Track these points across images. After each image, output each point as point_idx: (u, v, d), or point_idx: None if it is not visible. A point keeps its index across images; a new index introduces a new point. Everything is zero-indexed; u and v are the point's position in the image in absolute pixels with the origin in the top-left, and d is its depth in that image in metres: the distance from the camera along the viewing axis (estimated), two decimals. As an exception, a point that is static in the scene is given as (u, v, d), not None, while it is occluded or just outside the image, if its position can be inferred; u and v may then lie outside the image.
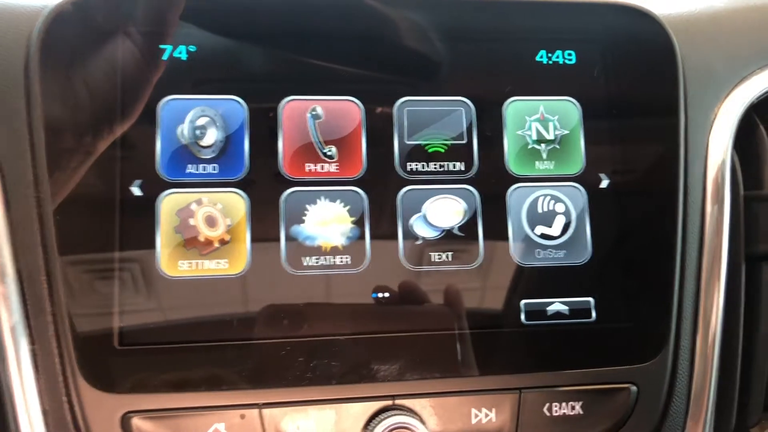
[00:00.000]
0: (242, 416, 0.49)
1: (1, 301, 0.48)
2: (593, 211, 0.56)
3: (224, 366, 0.49)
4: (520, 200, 0.55)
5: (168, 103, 0.52)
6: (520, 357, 0.53)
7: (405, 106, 0.55)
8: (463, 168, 0.55)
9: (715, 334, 0.55)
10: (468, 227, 0.54)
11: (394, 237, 0.53)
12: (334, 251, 0.52)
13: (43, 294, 0.48)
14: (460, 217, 0.54)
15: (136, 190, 0.51)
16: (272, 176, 0.52)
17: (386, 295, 0.52)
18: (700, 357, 0.55)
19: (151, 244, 0.50)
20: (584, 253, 0.55)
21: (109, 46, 0.52)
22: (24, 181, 0.49)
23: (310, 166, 0.53)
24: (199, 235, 0.51)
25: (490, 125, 0.56)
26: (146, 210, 0.51)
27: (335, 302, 0.52)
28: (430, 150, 0.55)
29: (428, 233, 0.54)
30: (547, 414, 0.52)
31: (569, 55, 0.58)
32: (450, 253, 0.54)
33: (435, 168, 0.55)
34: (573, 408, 0.53)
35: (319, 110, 0.54)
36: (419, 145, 0.55)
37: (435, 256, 0.54)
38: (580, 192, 0.56)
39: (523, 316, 0.54)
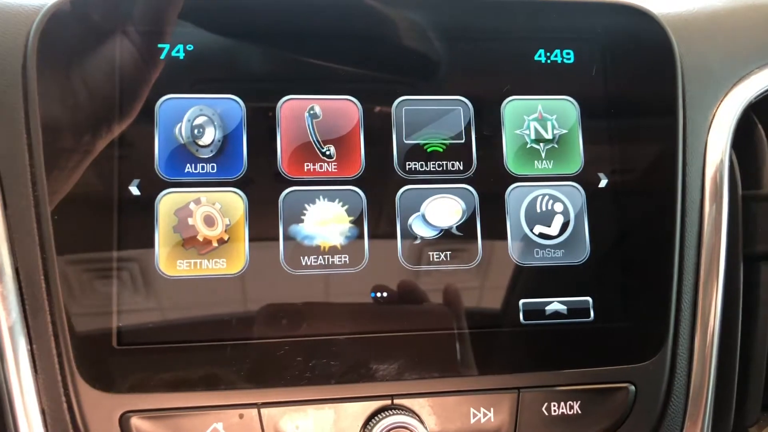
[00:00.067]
0: (241, 416, 0.49)
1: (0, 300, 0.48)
2: (592, 210, 0.56)
3: (223, 365, 0.49)
4: (518, 200, 0.55)
5: (166, 103, 0.52)
6: (519, 357, 0.53)
7: (403, 106, 0.55)
8: (461, 167, 0.55)
9: (714, 333, 0.55)
10: (466, 227, 0.54)
11: (393, 236, 0.53)
12: (333, 251, 0.52)
13: (41, 293, 0.48)
14: (459, 217, 0.54)
15: (134, 190, 0.51)
16: (271, 176, 0.52)
17: (385, 294, 0.52)
18: (698, 356, 0.55)
19: (149, 244, 0.50)
20: (583, 253, 0.55)
21: (107, 45, 0.52)
22: (22, 180, 0.49)
23: (308, 166, 0.53)
24: (198, 235, 0.51)
25: (489, 125, 0.56)
26: (145, 209, 0.51)
27: (334, 302, 0.52)
28: (428, 149, 0.55)
29: (427, 233, 0.54)
30: (546, 413, 0.52)
31: (568, 54, 0.58)
32: (448, 253, 0.54)
33: (433, 167, 0.55)
34: (571, 407, 0.53)
35: (318, 109, 0.54)
36: (418, 144, 0.55)
37: (434, 256, 0.54)
38: (579, 191, 0.56)
39: (521, 316, 0.54)
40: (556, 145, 0.56)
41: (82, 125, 0.50)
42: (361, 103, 0.54)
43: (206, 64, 0.53)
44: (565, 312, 0.54)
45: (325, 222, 0.53)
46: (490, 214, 0.54)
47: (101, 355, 0.48)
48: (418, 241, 0.54)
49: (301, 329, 0.51)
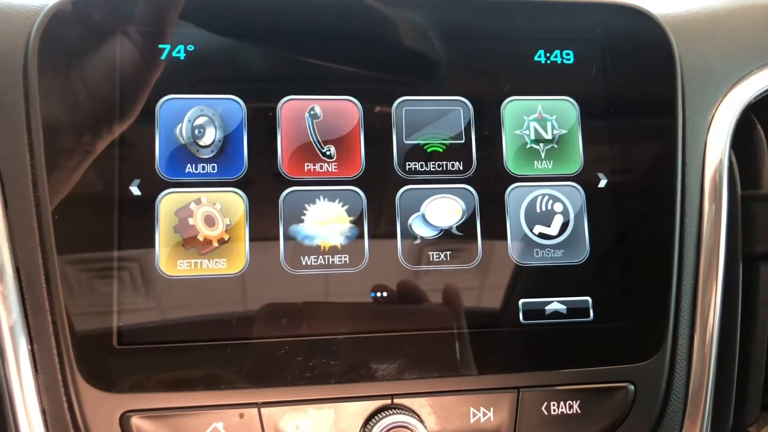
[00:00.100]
0: (241, 415, 0.49)
1: (0, 300, 0.48)
2: (591, 210, 0.56)
3: (223, 365, 0.49)
4: (518, 200, 0.55)
5: (167, 103, 0.52)
6: (519, 356, 0.53)
7: (403, 106, 0.55)
8: (461, 168, 0.55)
9: (713, 333, 0.55)
10: (466, 227, 0.54)
11: (393, 236, 0.53)
12: (333, 251, 0.52)
13: (41, 293, 0.49)
14: (459, 217, 0.54)
15: (135, 190, 0.51)
16: (271, 176, 0.53)
17: (385, 294, 0.53)
18: (697, 356, 0.55)
19: (150, 244, 0.50)
20: (582, 253, 0.55)
21: (107, 46, 0.52)
22: (22, 180, 0.49)
23: (308, 166, 0.53)
24: (198, 235, 0.51)
25: (489, 125, 0.56)
26: (145, 209, 0.51)
27: (334, 301, 0.52)
28: (428, 150, 0.55)
29: (427, 233, 0.54)
30: (545, 413, 0.52)
31: (567, 54, 0.58)
32: (448, 253, 0.54)
33: (433, 168, 0.55)
34: (571, 407, 0.53)
35: (318, 110, 0.54)
36: (418, 144, 0.55)
37: (433, 256, 0.54)
38: (579, 191, 0.56)
39: (521, 316, 0.54)
40: (555, 146, 0.56)
41: (83, 125, 0.50)
42: (361, 104, 0.54)
43: (207, 65, 0.53)
44: (565, 312, 0.54)
45: (326, 222, 0.53)
46: (490, 214, 0.55)
47: (102, 355, 0.49)
48: (418, 241, 0.54)
49: (302, 329, 0.51)
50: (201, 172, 0.52)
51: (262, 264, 0.51)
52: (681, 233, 0.56)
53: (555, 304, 0.54)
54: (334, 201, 0.53)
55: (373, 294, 0.52)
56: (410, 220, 0.54)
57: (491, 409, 0.52)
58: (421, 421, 0.50)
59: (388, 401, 0.51)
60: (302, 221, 0.52)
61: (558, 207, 0.56)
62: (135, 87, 0.52)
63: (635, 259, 0.55)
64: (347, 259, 0.52)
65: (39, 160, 0.49)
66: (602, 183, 0.56)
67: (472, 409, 0.52)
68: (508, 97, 0.56)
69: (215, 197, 0.52)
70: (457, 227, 0.54)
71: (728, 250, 0.57)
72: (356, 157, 0.54)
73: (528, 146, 0.56)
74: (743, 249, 0.58)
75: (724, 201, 0.57)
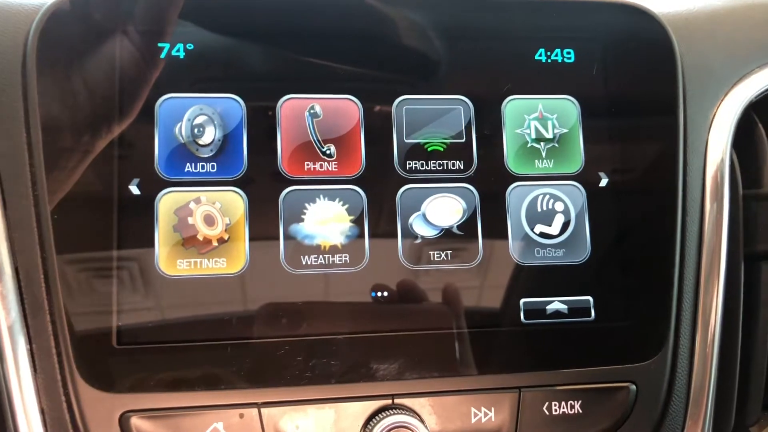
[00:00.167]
0: (241, 415, 0.49)
1: (-1, 300, 0.48)
2: (592, 209, 0.56)
3: (223, 365, 0.49)
4: (519, 199, 0.55)
5: (166, 102, 0.52)
6: (520, 356, 0.53)
7: (404, 105, 0.55)
8: (462, 167, 0.55)
9: (714, 333, 0.55)
10: (467, 226, 0.54)
11: (394, 236, 0.53)
12: (333, 250, 0.52)
13: (40, 293, 0.48)
14: (460, 216, 0.54)
15: (134, 189, 0.51)
16: (271, 175, 0.52)
17: (385, 294, 0.52)
18: (699, 356, 0.55)
19: (149, 243, 0.50)
20: (583, 252, 0.55)
21: (107, 45, 0.51)
22: (21, 179, 0.49)
23: (309, 165, 0.53)
24: (198, 234, 0.51)
25: (489, 124, 0.56)
26: (145, 209, 0.50)
27: (334, 301, 0.52)
28: (429, 149, 0.55)
29: (427, 232, 0.54)
30: (547, 413, 0.52)
31: (568, 53, 0.58)
32: (449, 252, 0.54)
33: (434, 167, 0.55)
34: (572, 407, 0.53)
35: (318, 109, 0.54)
36: (418, 143, 0.55)
37: (434, 255, 0.53)
38: (580, 191, 0.56)
39: (522, 315, 0.54)
40: (556, 145, 0.56)
41: (82, 124, 0.50)
42: (361, 103, 0.54)
43: (206, 64, 0.53)
44: (566, 311, 0.54)
45: (326, 221, 0.53)
46: (491, 214, 0.54)
47: (101, 355, 0.48)
48: (418, 241, 0.53)
49: (302, 329, 0.51)
50: (200, 171, 0.52)
51: (262, 263, 0.51)
52: (682, 233, 0.56)
53: (556, 304, 0.54)
54: (334, 200, 0.53)
55: (373, 293, 0.52)
56: (411, 220, 0.54)
57: (492, 409, 0.52)
58: (422, 422, 0.50)
59: (389, 401, 0.51)
60: (302, 220, 0.52)
61: (559, 206, 0.56)
62: (134, 86, 0.52)
63: (636, 258, 0.55)
64: (347, 258, 0.52)
65: (38, 160, 0.49)
66: (603, 182, 0.56)
67: (473, 409, 0.52)
68: (509, 96, 0.56)
69: (215, 196, 0.52)
70: (457, 226, 0.54)
71: (730, 250, 0.56)
72: (356, 156, 0.54)
73: (529, 145, 0.56)
74: (745, 248, 0.58)
75: (726, 200, 0.57)
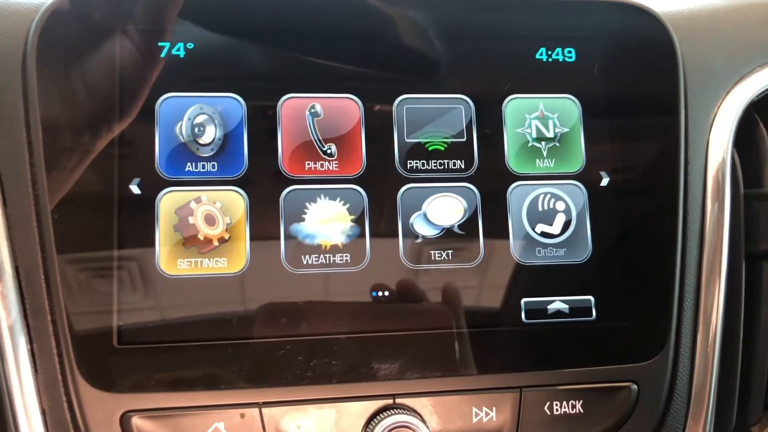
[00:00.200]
0: (242, 415, 0.49)
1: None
2: (593, 209, 0.56)
3: (224, 365, 0.49)
4: (520, 198, 0.55)
5: (166, 101, 0.52)
6: (521, 356, 0.53)
7: (404, 104, 0.55)
8: (463, 166, 0.55)
9: (716, 332, 0.55)
10: (468, 225, 0.54)
11: (394, 235, 0.53)
12: (334, 250, 0.52)
13: (41, 293, 0.48)
14: (461, 216, 0.54)
15: (135, 189, 0.50)
16: (272, 174, 0.52)
17: (386, 293, 0.52)
18: (700, 355, 0.55)
19: (150, 243, 0.50)
20: (585, 252, 0.55)
21: (106, 44, 0.51)
22: (22, 179, 0.49)
23: (309, 164, 0.53)
24: (199, 234, 0.51)
25: (490, 123, 0.56)
26: (145, 208, 0.50)
27: (335, 301, 0.52)
28: (430, 148, 0.55)
29: (428, 231, 0.54)
30: (548, 413, 0.52)
31: (569, 52, 0.58)
32: (450, 252, 0.54)
33: (435, 166, 0.54)
34: (573, 407, 0.53)
35: (318, 108, 0.54)
36: (419, 143, 0.55)
37: (435, 255, 0.53)
38: (581, 190, 0.56)
39: (523, 315, 0.54)
40: (557, 144, 0.56)
41: (82, 124, 0.50)
42: (362, 102, 0.54)
43: (207, 63, 0.53)
44: (567, 311, 0.54)
45: (326, 221, 0.52)
46: (492, 213, 0.54)
47: (102, 355, 0.48)
48: (419, 240, 0.53)
49: (303, 328, 0.51)
50: (201, 170, 0.52)
51: (262, 263, 0.51)
52: (684, 232, 0.56)
53: (557, 304, 0.54)
54: (335, 200, 0.53)
55: (374, 293, 0.52)
56: (412, 219, 0.54)
57: (493, 408, 0.52)
58: (423, 421, 0.50)
59: (390, 401, 0.51)
60: (303, 220, 0.52)
61: (560, 206, 0.55)
62: (134, 85, 0.52)
63: (638, 258, 0.55)
64: (348, 258, 0.52)
65: (38, 159, 0.49)
66: (604, 181, 0.56)
67: (474, 409, 0.52)
68: (510, 95, 0.56)
69: (215, 196, 0.51)
70: (458, 226, 0.54)
71: (731, 249, 0.56)
72: (357, 155, 0.54)
73: (530, 144, 0.56)
74: (746, 248, 0.58)
75: (727, 200, 0.57)
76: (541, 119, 0.56)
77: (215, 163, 0.52)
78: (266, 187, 0.52)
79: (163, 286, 0.50)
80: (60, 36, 0.51)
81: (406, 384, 0.51)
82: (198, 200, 0.51)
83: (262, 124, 0.53)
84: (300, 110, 0.54)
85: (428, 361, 0.51)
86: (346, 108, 0.54)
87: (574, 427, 0.53)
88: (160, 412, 0.48)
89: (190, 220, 0.51)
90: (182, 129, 0.52)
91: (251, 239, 0.51)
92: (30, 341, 0.48)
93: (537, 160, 0.56)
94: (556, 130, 0.56)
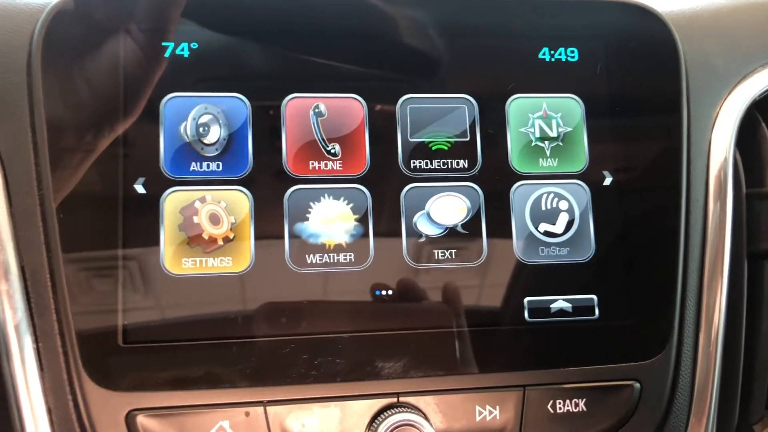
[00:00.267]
0: (247, 414, 0.49)
1: (5, 298, 0.48)
2: (597, 208, 0.56)
3: (229, 364, 0.49)
4: (523, 198, 0.55)
5: (171, 101, 0.52)
6: (524, 355, 0.53)
7: (408, 104, 0.55)
8: (466, 165, 0.55)
9: (718, 331, 0.55)
10: (472, 225, 0.54)
11: (398, 234, 0.53)
12: (338, 249, 0.52)
13: (46, 292, 0.48)
14: (464, 215, 0.54)
15: (139, 188, 0.51)
16: (276, 174, 0.52)
17: (390, 292, 0.52)
18: (702, 354, 0.55)
19: (154, 242, 0.50)
20: (588, 251, 0.55)
21: (110, 44, 0.51)
22: (27, 178, 0.49)
23: (313, 164, 0.53)
24: (203, 233, 0.51)
25: (493, 123, 0.56)
26: (150, 208, 0.50)
27: (339, 300, 0.52)
28: (433, 147, 0.55)
29: (432, 231, 0.54)
30: (551, 411, 0.52)
31: (572, 52, 0.58)
32: (453, 251, 0.54)
33: (438, 165, 0.55)
34: (577, 405, 0.53)
35: (322, 108, 0.54)
36: (422, 142, 0.55)
37: (438, 254, 0.54)
38: (584, 189, 0.56)
39: (526, 314, 0.54)
40: (560, 143, 0.56)
41: (87, 124, 0.50)
42: (365, 102, 0.54)
43: (211, 63, 0.53)
44: (570, 310, 0.54)
45: (330, 220, 0.53)
46: (495, 212, 0.54)
47: (107, 354, 0.48)
48: (423, 239, 0.54)
49: (307, 327, 0.51)
50: (206, 170, 0.52)
51: (267, 262, 0.51)
52: (686, 231, 0.56)
53: (560, 303, 0.54)
54: (339, 199, 0.53)
55: (378, 292, 0.52)
56: (415, 218, 0.54)
57: (497, 407, 0.52)
58: (427, 420, 0.50)
59: (394, 399, 0.51)
60: (307, 219, 0.52)
61: (563, 205, 0.56)
62: (138, 85, 0.52)
63: (640, 257, 0.55)
64: (352, 257, 0.52)
65: (43, 159, 0.49)
66: (607, 181, 0.56)
67: (477, 408, 0.52)
68: (513, 94, 0.56)
69: (220, 195, 0.52)
70: (462, 225, 0.54)
71: (733, 248, 0.57)
72: (361, 155, 0.54)
73: (533, 144, 0.56)
74: (748, 247, 0.58)
75: (729, 199, 0.57)
76: (544, 119, 0.57)
77: (220, 163, 0.52)
78: (270, 186, 0.52)
79: (167, 285, 0.50)
80: (64, 36, 0.51)
81: (410, 382, 0.51)
82: (203, 200, 0.51)
83: (267, 124, 0.53)
84: (304, 110, 0.54)
85: (432, 360, 0.52)
86: (350, 108, 0.54)
87: (577, 426, 0.53)
88: (165, 410, 0.49)
89: (195, 219, 0.51)
90: (187, 129, 0.52)
91: (256, 238, 0.51)
92: (36, 340, 0.48)
93: (540, 160, 0.56)
94: (559, 130, 0.57)
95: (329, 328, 0.51)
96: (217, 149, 0.52)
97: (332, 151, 0.54)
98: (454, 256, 0.54)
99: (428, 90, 0.55)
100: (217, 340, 0.50)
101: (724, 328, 0.55)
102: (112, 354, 0.48)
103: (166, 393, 0.49)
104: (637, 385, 0.53)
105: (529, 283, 0.54)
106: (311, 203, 0.53)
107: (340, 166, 0.53)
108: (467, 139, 0.55)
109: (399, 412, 0.50)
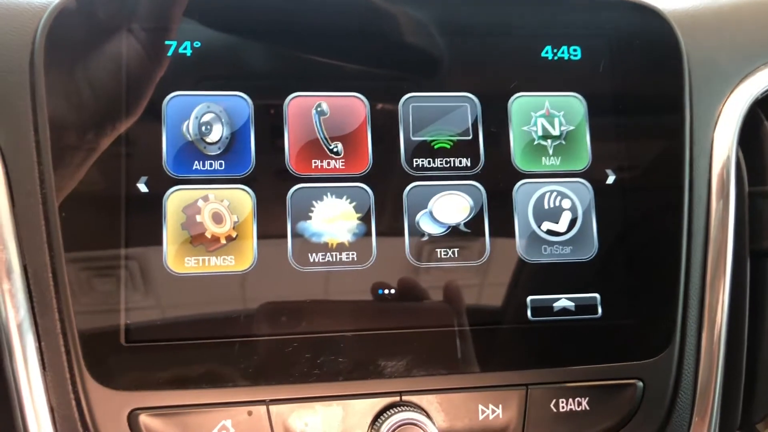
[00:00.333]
0: (249, 413, 0.49)
1: (8, 298, 0.48)
2: (599, 207, 0.56)
3: (231, 363, 0.49)
4: (526, 196, 0.55)
5: (173, 100, 0.52)
6: (527, 353, 0.53)
7: (410, 102, 0.55)
8: (469, 164, 0.55)
9: (721, 329, 0.55)
10: (474, 223, 0.54)
11: (401, 233, 0.53)
12: (341, 248, 0.52)
13: (49, 291, 0.48)
14: (467, 214, 0.54)
15: (142, 187, 0.51)
16: (278, 172, 0.52)
17: (392, 291, 0.52)
18: (705, 353, 0.55)
19: (157, 241, 0.50)
20: (590, 249, 0.55)
21: (113, 43, 0.51)
22: (29, 177, 0.49)
23: (316, 163, 0.53)
24: (206, 232, 0.51)
25: (496, 121, 0.56)
26: (153, 206, 0.50)
27: (342, 299, 0.52)
28: (435, 146, 0.55)
29: (434, 229, 0.54)
30: (554, 410, 0.52)
31: (574, 50, 0.58)
32: (456, 250, 0.54)
33: (441, 164, 0.55)
34: (579, 404, 0.53)
35: (325, 106, 0.54)
36: (425, 141, 0.55)
37: (441, 253, 0.54)
38: (587, 188, 0.56)
39: (529, 313, 0.54)
40: (563, 142, 0.56)
41: (89, 123, 0.50)
42: (368, 100, 0.54)
43: (213, 61, 0.53)
44: (573, 309, 0.54)
45: (333, 219, 0.53)
46: (498, 211, 0.54)
47: (109, 353, 0.48)
48: (425, 238, 0.54)
49: (310, 326, 0.51)
50: (208, 169, 0.52)
51: (269, 261, 0.51)
52: (689, 229, 0.56)
53: (563, 301, 0.54)
54: (341, 198, 0.53)
55: (380, 291, 0.52)
56: (418, 217, 0.54)
57: (500, 406, 0.52)
58: (430, 418, 0.50)
59: (397, 398, 0.51)
60: (310, 218, 0.52)
61: (566, 203, 0.56)
62: (140, 84, 0.52)
63: (643, 255, 0.55)
64: (355, 256, 0.52)
65: (46, 158, 0.49)
66: (610, 179, 0.56)
67: (480, 406, 0.52)
68: (516, 93, 0.56)
69: (223, 194, 0.52)
70: (464, 224, 0.54)
71: (735, 247, 0.57)
72: (363, 153, 0.54)
73: (535, 142, 0.56)
74: (750, 245, 0.58)
75: (732, 197, 0.57)
76: (546, 117, 0.56)
77: (222, 162, 0.52)
78: (273, 185, 0.52)
79: (170, 284, 0.50)
80: (67, 35, 0.51)
81: (412, 381, 0.51)
82: (205, 198, 0.51)
83: (269, 123, 0.53)
84: (306, 109, 0.54)
85: (435, 359, 0.52)
86: (353, 106, 0.54)
87: (580, 425, 0.53)
88: (167, 409, 0.49)
89: (198, 218, 0.51)
90: (189, 127, 0.52)
91: (258, 237, 0.51)
92: (38, 339, 0.48)
93: (543, 158, 0.56)
94: (562, 128, 0.57)
95: (332, 327, 0.51)
96: (219, 148, 0.52)
97: (335, 149, 0.53)
98: (456, 255, 0.54)
99: (430, 88, 0.55)
100: (220, 339, 0.50)
101: (726, 327, 0.55)
102: (114, 353, 0.48)
103: (169, 392, 0.49)
104: (640, 383, 0.53)
105: (532, 281, 0.54)
106: (314, 202, 0.52)
107: (342, 165, 0.53)
108: (470, 137, 0.55)
109: (402, 411, 0.50)
